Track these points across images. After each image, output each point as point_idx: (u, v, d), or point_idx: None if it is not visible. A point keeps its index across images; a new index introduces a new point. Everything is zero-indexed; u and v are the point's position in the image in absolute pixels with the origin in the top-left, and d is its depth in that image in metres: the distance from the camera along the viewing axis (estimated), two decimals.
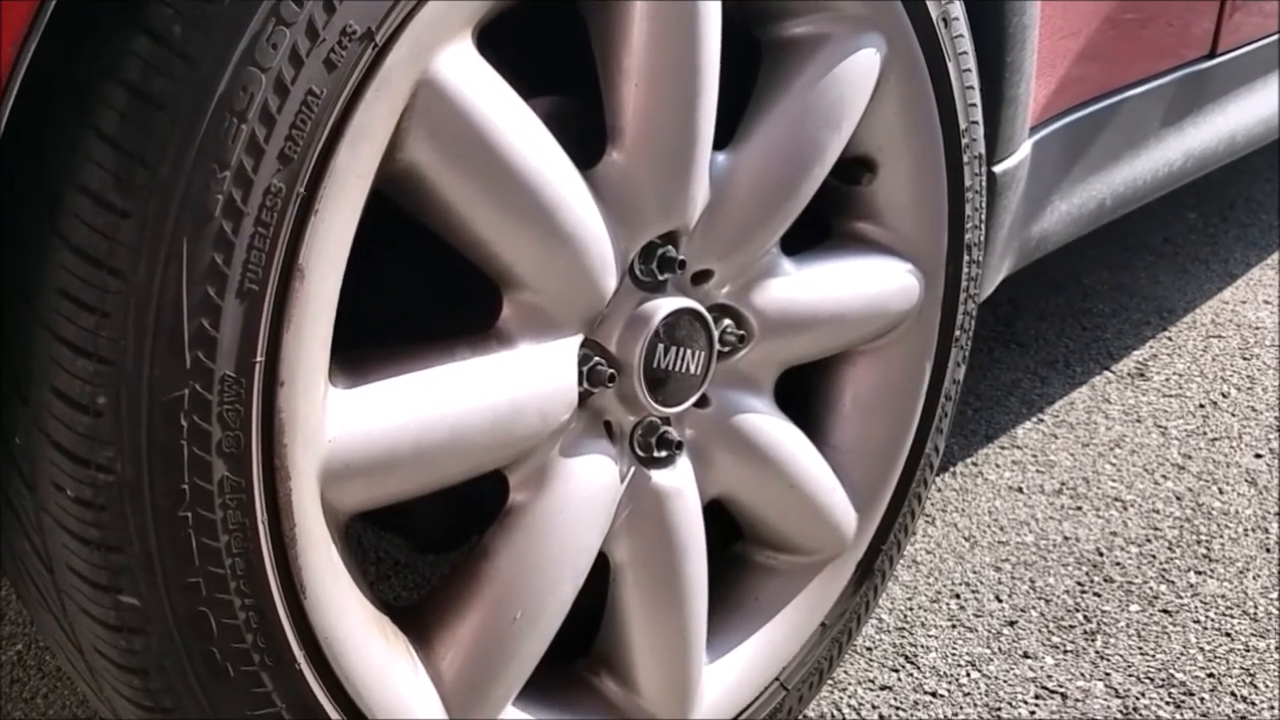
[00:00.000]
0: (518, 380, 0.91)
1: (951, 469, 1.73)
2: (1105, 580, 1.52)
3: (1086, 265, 2.32)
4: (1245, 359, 2.03)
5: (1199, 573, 1.53)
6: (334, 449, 0.80)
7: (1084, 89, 1.59)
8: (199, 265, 0.71)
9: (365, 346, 0.85)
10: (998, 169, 1.40)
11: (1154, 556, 1.56)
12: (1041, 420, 1.86)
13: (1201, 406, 1.89)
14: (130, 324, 0.70)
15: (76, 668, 0.83)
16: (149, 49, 0.70)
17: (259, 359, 0.75)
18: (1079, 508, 1.65)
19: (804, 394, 1.28)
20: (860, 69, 1.09)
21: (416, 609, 0.96)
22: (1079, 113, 1.59)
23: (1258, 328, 2.13)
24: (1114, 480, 1.71)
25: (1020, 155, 1.43)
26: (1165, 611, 1.47)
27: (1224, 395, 1.92)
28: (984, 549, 1.58)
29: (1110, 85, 1.65)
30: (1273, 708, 1.32)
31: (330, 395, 0.81)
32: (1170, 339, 2.09)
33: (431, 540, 1.04)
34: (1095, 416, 1.87)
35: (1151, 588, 1.51)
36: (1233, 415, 1.87)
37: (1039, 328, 2.12)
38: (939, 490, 1.68)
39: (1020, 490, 1.69)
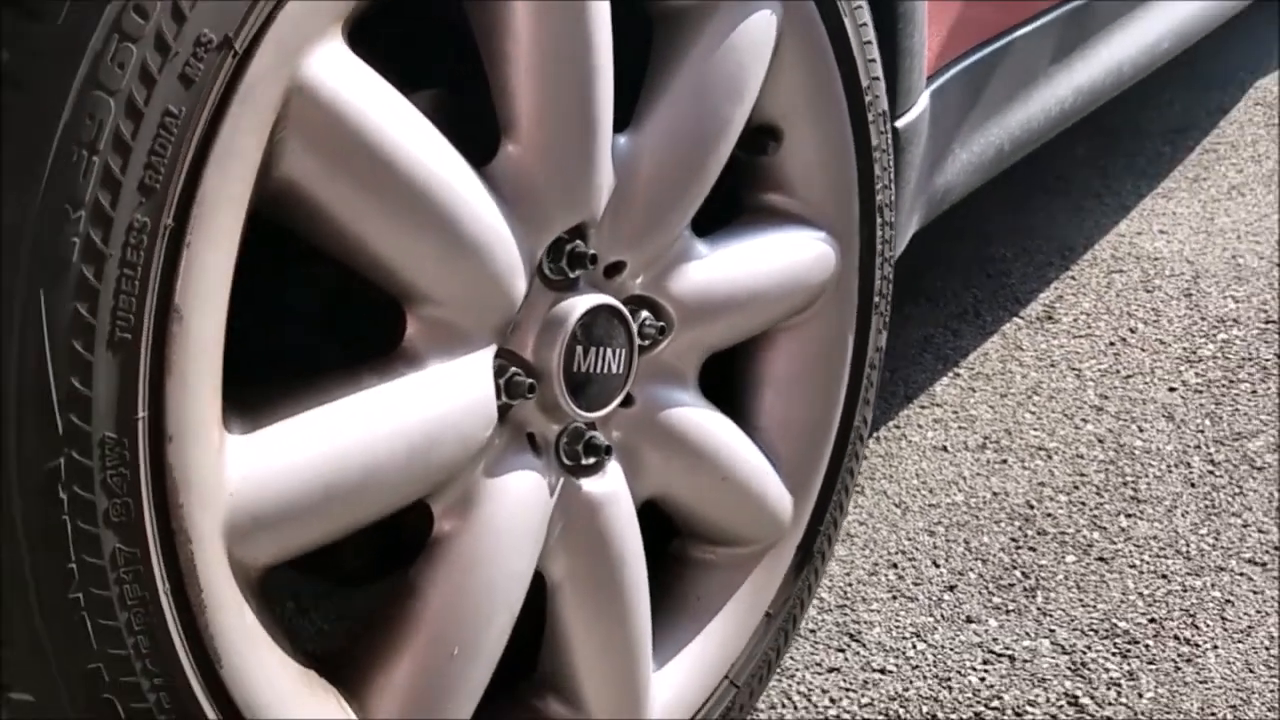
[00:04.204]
0: (431, 403, 0.84)
1: (875, 434, 1.70)
2: (1039, 533, 1.50)
3: (986, 210, 2.30)
4: (1148, 291, 2.03)
5: (1129, 515, 1.52)
6: (236, 503, 0.73)
7: (975, 31, 1.56)
8: (61, 318, 0.63)
9: (259, 385, 0.78)
10: (899, 124, 1.35)
11: (1083, 503, 1.55)
12: (958, 375, 1.83)
13: (1111, 345, 1.89)
14: None
15: None
16: None
17: (142, 414, 0.67)
18: (1004, 461, 1.64)
19: (725, 376, 1.23)
20: (756, 34, 1.04)
21: (343, 656, 0.89)
22: (972, 57, 1.56)
23: (1156, 259, 2.13)
24: (1035, 429, 1.70)
25: (921, 107, 1.40)
26: (1101, 559, 1.45)
27: (1132, 331, 1.92)
28: (915, 514, 1.55)
29: (1001, 26, 1.62)
30: (1215, 646, 1.32)
31: (227, 444, 0.73)
32: (1074, 278, 2.09)
33: (350, 575, 0.96)
34: (1010, 365, 1.85)
35: (1085, 536, 1.49)
36: (1143, 350, 1.87)
37: (946, 279, 2.10)
38: (865, 458, 1.65)
39: (945, 449, 1.67)
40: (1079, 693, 1.27)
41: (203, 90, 0.67)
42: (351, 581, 0.97)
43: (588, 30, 0.89)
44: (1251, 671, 1.28)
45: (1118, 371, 1.82)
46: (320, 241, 0.79)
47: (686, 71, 1.01)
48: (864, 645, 1.35)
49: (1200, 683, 1.27)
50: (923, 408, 1.76)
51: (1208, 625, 1.35)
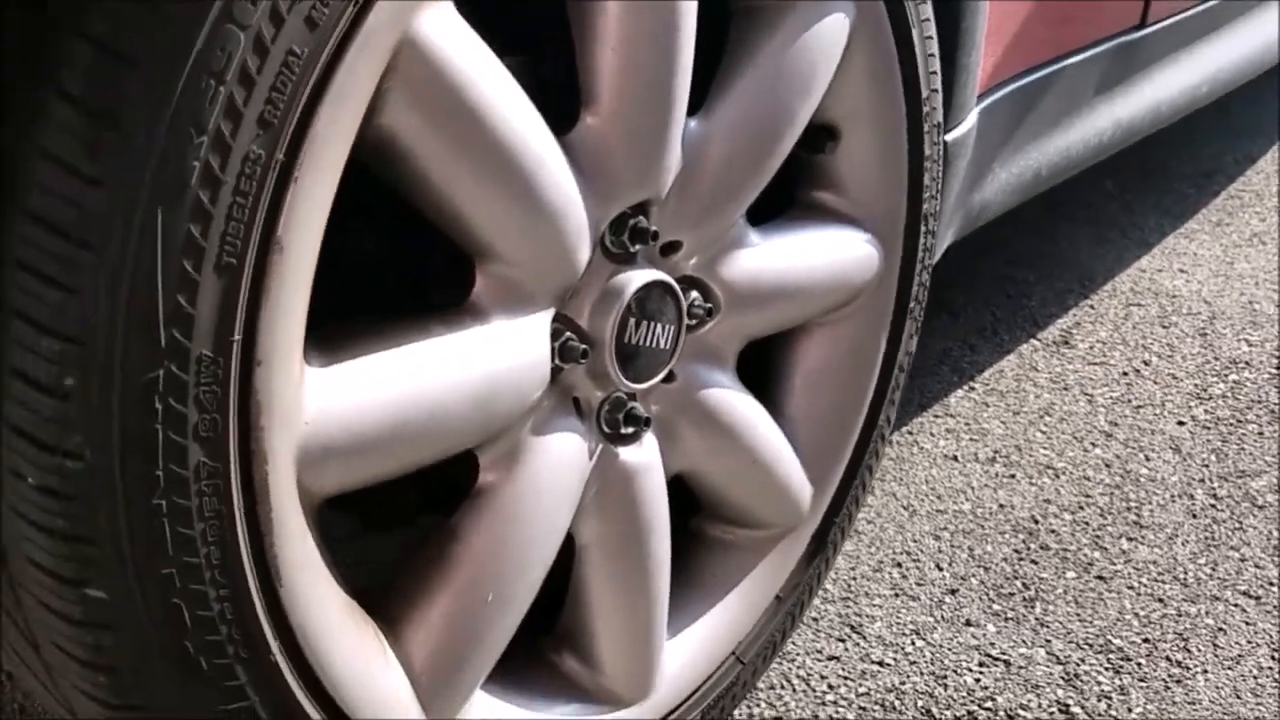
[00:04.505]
0: (493, 356, 0.88)
1: (889, 438, 1.73)
2: (1041, 547, 1.54)
3: (1013, 232, 2.34)
4: (1164, 327, 2.07)
5: (1130, 539, 1.56)
6: (311, 431, 0.76)
7: (1026, 56, 1.59)
8: (175, 237, 0.66)
9: (337, 322, 0.81)
10: (949, 137, 1.39)
11: (1087, 523, 1.58)
12: (973, 389, 1.87)
13: (1125, 374, 1.93)
14: (100, 300, 0.65)
15: (28, 663, 0.78)
16: (118, 2, 0.65)
17: (237, 337, 0.70)
18: (1013, 475, 1.67)
19: (759, 364, 1.26)
20: (830, 34, 1.07)
21: (382, 592, 0.93)
22: (1020, 81, 1.59)
23: (1174, 296, 2.17)
24: (1045, 448, 1.74)
25: (970, 123, 1.43)
26: (1100, 578, 1.49)
27: (1145, 363, 1.96)
28: (923, 518, 1.58)
29: (1050, 54, 1.65)
30: (1205, 671, 1.36)
31: (307, 375, 0.77)
32: (1093, 307, 2.12)
33: (385, 519, 1.00)
34: (1024, 384, 1.89)
35: (1086, 554, 1.53)
36: (1155, 383, 1.91)
37: (968, 295, 2.14)
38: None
39: (955, 459, 1.71)
40: (1070, 702, 1.31)
41: (325, 34, 0.70)
42: (382, 526, 1.00)
43: (675, 16, 0.92)
44: (1239, 698, 1.32)
45: (1129, 401, 1.86)
46: (407, 191, 0.82)
47: (760, 64, 1.04)
48: (864, 638, 1.39)
49: (1189, 703, 1.31)
50: (937, 417, 1.80)
51: (1199, 650, 1.38)
